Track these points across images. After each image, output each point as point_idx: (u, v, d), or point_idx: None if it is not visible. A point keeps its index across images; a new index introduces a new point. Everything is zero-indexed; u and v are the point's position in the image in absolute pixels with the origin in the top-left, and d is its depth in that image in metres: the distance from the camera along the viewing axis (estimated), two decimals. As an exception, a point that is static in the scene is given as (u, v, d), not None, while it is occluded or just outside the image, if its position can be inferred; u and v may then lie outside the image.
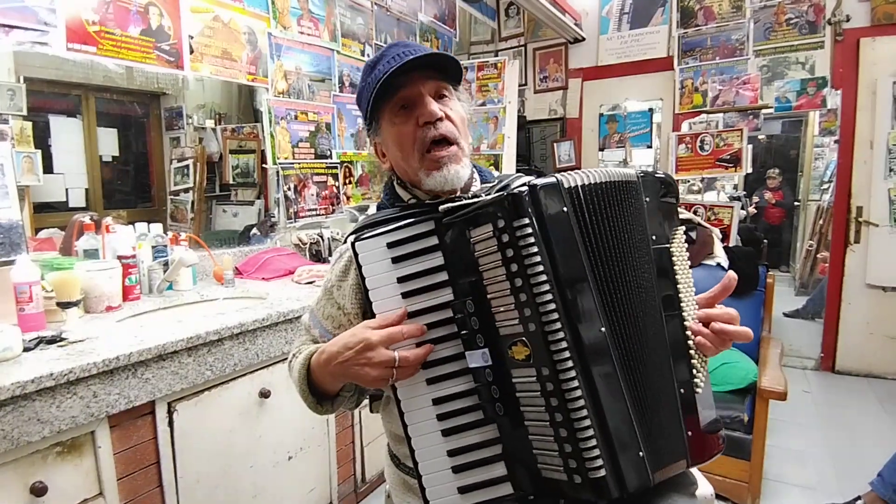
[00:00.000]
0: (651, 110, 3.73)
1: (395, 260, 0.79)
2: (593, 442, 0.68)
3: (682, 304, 0.82)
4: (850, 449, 2.49)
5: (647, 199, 0.81)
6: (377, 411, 1.06)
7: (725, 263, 2.54)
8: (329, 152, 2.65)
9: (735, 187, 3.57)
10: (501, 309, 0.73)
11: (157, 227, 1.88)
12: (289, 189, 2.43)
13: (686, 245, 0.86)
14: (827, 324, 3.45)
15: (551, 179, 0.73)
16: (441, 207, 0.78)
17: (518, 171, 3.89)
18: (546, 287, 0.69)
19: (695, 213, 3.27)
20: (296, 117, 2.44)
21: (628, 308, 0.75)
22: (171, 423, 1.33)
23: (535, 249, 0.69)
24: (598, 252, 0.74)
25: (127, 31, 1.74)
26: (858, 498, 1.97)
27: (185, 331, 1.34)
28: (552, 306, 0.69)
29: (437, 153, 0.87)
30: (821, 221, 4.92)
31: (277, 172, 2.37)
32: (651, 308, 0.78)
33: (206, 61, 2.00)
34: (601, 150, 3.99)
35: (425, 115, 0.86)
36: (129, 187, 2.38)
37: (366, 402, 1.05)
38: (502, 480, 0.76)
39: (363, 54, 2.84)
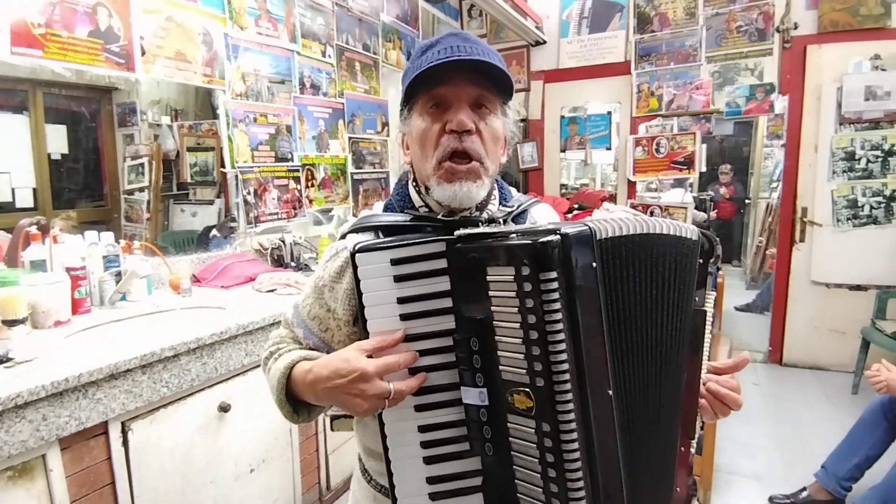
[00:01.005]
0: (610, 113, 3.82)
1: (398, 279, 0.74)
2: (581, 497, 0.67)
3: (701, 368, 0.81)
4: (796, 439, 2.63)
5: (700, 260, 0.78)
6: (338, 430, 1.05)
7: (680, 264, 2.64)
8: (290, 155, 2.61)
9: (690, 186, 3.70)
10: (509, 354, 0.69)
11: (108, 236, 1.81)
12: (248, 193, 2.38)
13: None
14: (774, 318, 3.63)
15: (584, 229, 0.67)
16: (458, 232, 0.73)
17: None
18: (562, 347, 0.64)
19: (650, 214, 3.38)
20: (255, 120, 2.39)
21: (641, 369, 0.73)
22: (125, 443, 1.29)
23: (558, 306, 0.64)
24: (620, 311, 0.70)
25: (74, 32, 1.67)
26: (804, 489, 2.09)
27: (139, 348, 1.30)
28: (565, 367, 0.65)
29: (454, 165, 0.81)
30: (770, 219, 5.15)
31: (237, 176, 2.32)
32: (671, 367, 0.76)
33: (158, 63, 1.94)
34: (563, 151, 4.07)
35: (453, 123, 0.79)
36: (80, 186, 2.28)
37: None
38: None
39: (324, 55, 2.80)
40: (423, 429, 0.75)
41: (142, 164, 2.36)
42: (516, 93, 4.10)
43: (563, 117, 4.00)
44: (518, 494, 0.71)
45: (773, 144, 5.33)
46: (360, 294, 0.75)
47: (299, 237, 2.66)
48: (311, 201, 2.77)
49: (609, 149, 3.92)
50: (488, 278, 0.69)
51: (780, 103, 3.44)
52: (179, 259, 2.12)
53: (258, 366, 1.65)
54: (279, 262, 2.47)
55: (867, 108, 3.21)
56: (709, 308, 0.81)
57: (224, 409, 1.53)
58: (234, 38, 2.22)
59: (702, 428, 0.84)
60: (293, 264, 2.47)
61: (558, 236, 0.64)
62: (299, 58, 2.62)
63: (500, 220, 0.85)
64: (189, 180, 2.46)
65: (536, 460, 0.68)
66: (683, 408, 0.79)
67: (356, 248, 0.75)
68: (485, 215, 0.87)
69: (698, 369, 0.80)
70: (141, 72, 1.87)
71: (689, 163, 3.47)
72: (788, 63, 3.33)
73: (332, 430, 1.09)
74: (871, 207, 3.26)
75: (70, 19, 1.65)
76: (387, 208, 0.93)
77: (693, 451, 0.83)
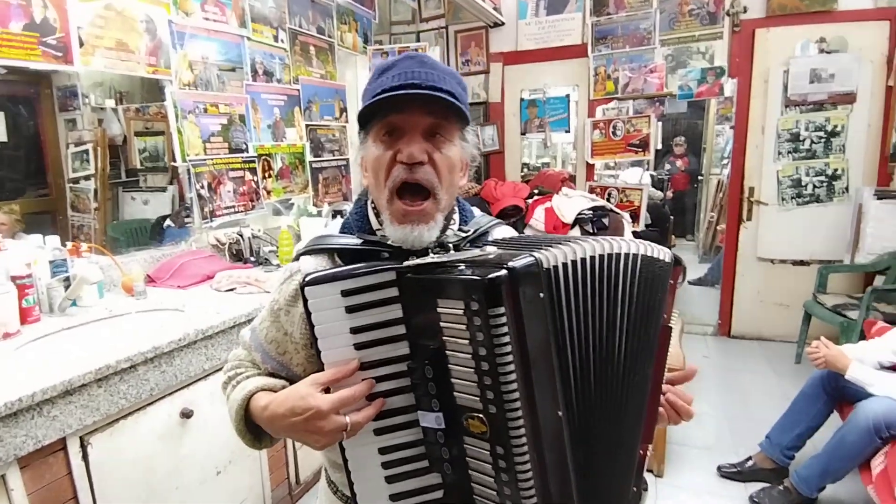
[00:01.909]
0: (568, 96, 3.85)
1: (350, 309, 0.74)
2: None
3: (661, 381, 0.83)
4: (743, 410, 2.80)
5: (670, 279, 0.79)
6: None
7: (635, 247, 2.72)
8: (245, 145, 2.53)
9: (648, 163, 3.80)
10: (462, 381, 0.71)
11: (53, 240, 1.74)
12: (202, 187, 2.31)
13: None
14: (723, 293, 3.81)
15: (531, 262, 0.67)
16: (408, 263, 0.73)
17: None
18: (512, 377, 0.66)
19: (608, 196, 3.46)
20: (205, 110, 2.30)
21: (601, 386, 0.75)
22: (85, 457, 1.27)
23: (507, 340, 0.66)
24: (572, 334, 0.72)
25: (8, 27, 1.56)
26: (749, 458, 2.23)
27: (94, 360, 1.26)
28: (516, 395, 0.67)
29: (406, 207, 0.79)
30: (720, 195, 5.35)
31: (189, 170, 2.24)
32: (633, 381, 0.77)
33: (98, 54, 1.84)
34: (523, 133, 4.09)
35: (404, 155, 0.77)
36: (21, 175, 2.15)
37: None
38: None
39: (276, 40, 2.71)
40: (383, 450, 0.77)
41: (86, 151, 2.24)
42: (474, 75, 4.09)
43: (522, 100, 4.01)
44: None
45: (723, 127, 5.50)
46: (312, 326, 0.74)
47: (258, 230, 2.61)
48: (269, 192, 2.71)
49: (568, 131, 3.96)
50: (439, 310, 0.70)
51: (730, 86, 3.55)
52: (132, 258, 2.05)
53: (220, 369, 1.64)
54: (238, 257, 2.42)
55: (812, 90, 3.35)
56: (674, 325, 0.84)
57: (186, 415, 1.52)
58: (179, 25, 2.12)
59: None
60: (253, 259, 2.43)
61: (505, 271, 0.65)
62: (250, 43, 2.52)
63: (451, 246, 0.83)
64: (139, 167, 2.36)
65: (492, 479, 0.71)
66: (645, 416, 0.81)
67: (305, 280, 0.74)
68: (440, 239, 0.85)
69: (660, 382, 0.83)
70: (80, 64, 1.78)
71: (644, 145, 3.55)
72: (738, 46, 3.42)
73: (294, 445, 1.10)
74: (814, 187, 3.43)
75: (3, 13, 1.55)
76: (344, 228, 0.91)
77: (650, 451, 0.87)
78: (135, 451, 1.38)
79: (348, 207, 3.21)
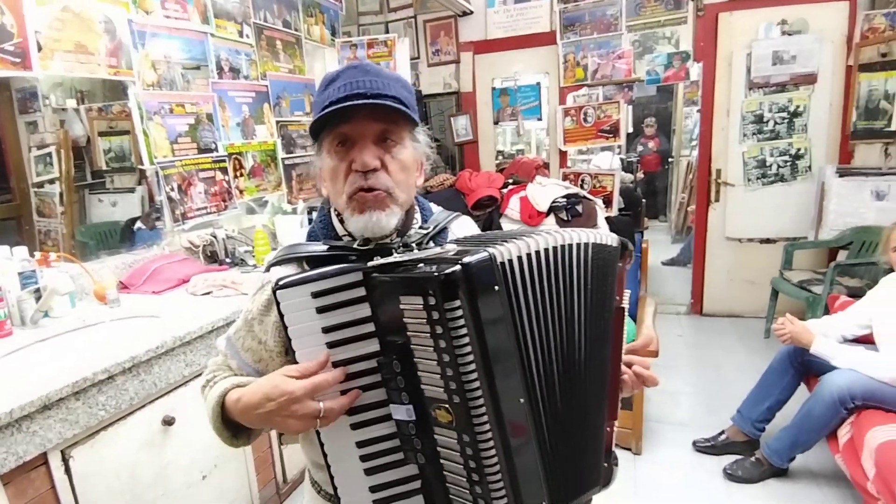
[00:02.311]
0: (539, 84, 3.87)
1: (321, 310, 0.77)
2: (503, 501, 0.73)
3: (620, 357, 0.88)
4: (716, 385, 2.90)
5: (619, 263, 0.84)
6: (287, 444, 1.08)
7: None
8: (214, 145, 2.49)
9: (619, 148, 3.86)
10: (428, 374, 0.74)
11: (21, 251, 1.69)
12: (172, 189, 2.27)
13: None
14: (695, 272, 3.92)
15: (485, 257, 0.71)
16: (371, 263, 0.76)
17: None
18: (472, 367, 0.70)
19: (582, 182, 3.51)
20: (171, 110, 2.25)
21: (559, 373, 0.78)
22: (67, 471, 1.26)
23: (464, 332, 0.69)
24: (529, 325, 0.75)
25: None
26: (722, 432, 2.32)
27: (70, 373, 1.25)
28: (476, 384, 0.71)
29: (363, 195, 0.83)
30: (691, 176, 5.47)
31: (157, 173, 2.20)
32: (594, 364, 0.82)
33: (57, 58, 1.78)
34: (496, 123, 4.10)
35: (357, 163, 0.81)
36: None
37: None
38: None
39: (241, 35, 2.66)
40: (360, 444, 0.80)
41: (49, 154, 2.18)
42: (445, 65, 4.08)
43: (494, 89, 4.02)
44: (450, 496, 0.78)
45: (690, 109, 5.60)
46: (285, 328, 0.77)
47: (232, 230, 2.58)
48: (241, 192, 2.68)
49: (540, 119, 3.99)
50: (401, 306, 0.73)
51: (696, 70, 3.61)
52: (102, 265, 2.01)
53: (200, 374, 1.63)
54: (213, 259, 2.40)
55: (774, 72, 3.43)
56: (625, 304, 0.88)
57: (168, 422, 1.51)
58: (139, 24, 2.06)
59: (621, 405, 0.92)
60: (228, 260, 2.40)
61: (460, 266, 0.68)
62: (214, 40, 2.47)
63: (414, 245, 0.87)
64: (105, 168, 2.31)
65: (461, 466, 0.75)
66: (608, 394, 0.86)
67: (277, 284, 0.77)
68: (403, 239, 0.89)
69: (619, 359, 0.88)
70: (39, 69, 1.72)
71: (614, 130, 3.60)
72: (702, 31, 3.48)
73: (280, 444, 1.12)
74: (779, 166, 3.53)
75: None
76: (310, 236, 0.94)
77: (616, 427, 0.91)
78: (118, 461, 1.37)
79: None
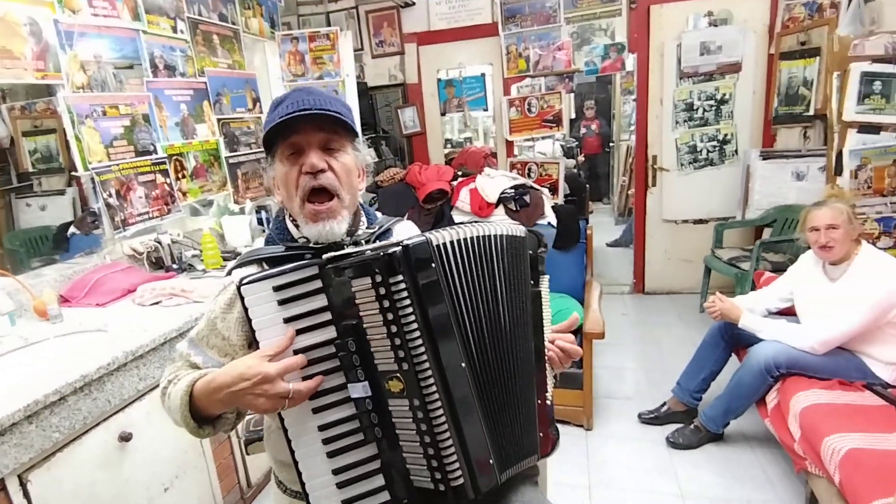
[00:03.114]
0: (484, 75, 3.92)
1: (282, 302, 0.86)
2: (454, 458, 0.83)
3: (543, 333, 0.99)
4: (658, 360, 3.09)
5: (530, 251, 0.97)
6: (253, 453, 1.11)
7: (554, 222, 2.89)
8: (152, 147, 2.40)
9: (563, 136, 3.98)
10: (379, 349, 0.83)
11: (-54, 270, 1.60)
12: (110, 196, 2.18)
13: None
14: (636, 254, 4.13)
15: (422, 240, 0.83)
16: (325, 256, 0.85)
17: (365, 139, 3.88)
18: (416, 334, 0.81)
19: (528, 171, 3.61)
20: (104, 113, 2.15)
21: (494, 344, 0.90)
22: (26, 495, 1.23)
23: (408, 302, 0.80)
24: (466, 298, 0.87)
25: None
26: (664, 404, 2.50)
27: (20, 396, 1.21)
28: (422, 350, 0.81)
29: (316, 207, 0.95)
30: (630, 160, 5.70)
31: (93, 179, 2.10)
32: (521, 340, 0.94)
33: (-25, 63, 1.67)
34: (443, 114, 4.13)
35: (307, 166, 0.93)
36: None
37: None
38: (380, 490, 0.89)
39: (175, 31, 2.55)
40: (321, 427, 0.87)
41: (-31, 158, 2.05)
42: (389, 56, 4.06)
43: (440, 80, 4.04)
44: (408, 466, 0.86)
45: (627, 99, 5.82)
46: (250, 321, 0.85)
47: (177, 234, 2.50)
48: (184, 194, 2.60)
49: (486, 110, 4.05)
50: (353, 289, 0.82)
51: (631, 61, 3.76)
52: (40, 278, 1.92)
53: (156, 387, 1.61)
54: (159, 266, 2.33)
55: (702, 62, 3.63)
56: (544, 289, 1.00)
57: (125, 438, 1.49)
58: (66, 24, 1.95)
59: (555, 381, 1.04)
60: (175, 266, 2.34)
61: (401, 247, 0.81)
62: (146, 37, 2.37)
63: (363, 242, 0.99)
64: (31, 169, 2.18)
65: (414, 431, 0.84)
66: (535, 371, 0.97)
67: (241, 281, 0.85)
68: (353, 239, 1.01)
69: (542, 337, 0.99)
70: (-45, 76, 1.61)
71: (558, 120, 3.71)
72: (635, 23, 3.63)
73: (247, 454, 1.14)
74: (708, 151, 3.76)
75: None
76: (268, 242, 1.05)
77: (550, 401, 1.01)
78: (76, 481, 1.34)
79: (272, 202, 3.14)
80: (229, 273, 0.99)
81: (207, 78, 2.76)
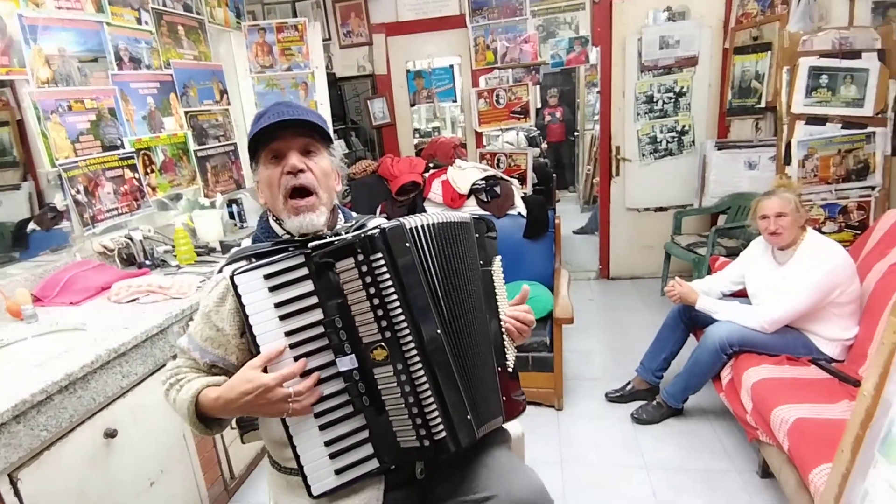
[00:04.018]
0: (452, 66, 3.96)
1: (272, 289, 0.95)
2: (435, 413, 0.93)
3: (499, 308, 1.12)
4: (623, 342, 3.25)
5: (477, 235, 1.09)
6: (249, 441, 1.17)
7: (524, 212, 2.98)
8: (119, 141, 2.36)
9: (530, 126, 4.07)
10: (364, 322, 0.93)
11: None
12: (78, 192, 2.14)
13: (493, 236, 1.16)
14: (601, 241, 4.29)
15: (398, 224, 0.95)
16: (310, 244, 0.94)
17: (335, 130, 3.88)
18: (396, 304, 0.92)
19: (497, 162, 3.69)
20: (69, 108, 2.11)
21: (458, 314, 1.01)
22: (17, 493, 1.24)
23: (387, 276, 0.91)
24: (435, 274, 0.98)
25: None
26: (629, 383, 2.64)
27: (6, 397, 1.22)
28: (402, 318, 0.92)
29: (296, 203, 1.06)
30: (595, 149, 5.86)
31: (60, 175, 2.06)
32: (479, 312, 1.06)
33: (-68, 57, 1.62)
34: (413, 105, 4.15)
35: (288, 166, 1.05)
36: None
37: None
38: (370, 458, 0.98)
39: (140, 22, 2.50)
40: (313, 403, 0.95)
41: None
42: (358, 47, 4.04)
43: (409, 71, 4.06)
44: (394, 429, 0.96)
45: (591, 91, 5.96)
46: (243, 307, 0.94)
47: (148, 230, 2.48)
48: (153, 189, 2.57)
49: (455, 101, 4.10)
50: (337, 271, 0.93)
51: (594, 54, 3.87)
52: (7, 279, 1.89)
53: (140, 383, 1.63)
54: (130, 263, 2.31)
55: (662, 56, 3.77)
56: (496, 269, 1.13)
57: (111, 435, 1.50)
58: (29, 19, 1.90)
59: (515, 354, 1.15)
60: (148, 262, 2.33)
61: (379, 230, 0.92)
62: (111, 29, 2.31)
63: (343, 232, 1.06)
64: (-16, 164, 2.13)
65: (399, 395, 0.94)
66: (493, 340, 1.10)
67: (234, 272, 0.94)
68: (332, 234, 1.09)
69: (496, 310, 1.12)
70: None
71: (525, 111, 3.79)
72: (598, 17, 3.73)
73: (242, 443, 1.19)
74: (667, 142, 3.92)
75: None
76: (254, 240, 1.15)
77: (510, 369, 1.13)
78: (65, 478, 1.36)
79: (243, 195, 3.12)
80: (220, 271, 1.08)
81: (173, 70, 2.71)
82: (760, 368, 2.04)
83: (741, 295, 2.41)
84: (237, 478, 2.10)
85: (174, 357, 1.11)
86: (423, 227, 0.99)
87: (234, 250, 1.12)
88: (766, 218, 2.13)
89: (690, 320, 2.47)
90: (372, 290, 0.92)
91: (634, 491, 2.04)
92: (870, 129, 2.91)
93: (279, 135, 1.06)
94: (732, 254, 2.95)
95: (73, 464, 1.39)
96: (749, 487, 2.01)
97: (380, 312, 0.92)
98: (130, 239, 2.32)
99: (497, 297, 1.12)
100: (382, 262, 0.91)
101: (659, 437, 2.34)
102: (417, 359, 0.93)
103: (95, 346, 1.50)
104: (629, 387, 2.62)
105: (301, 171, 1.05)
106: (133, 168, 2.43)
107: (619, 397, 2.62)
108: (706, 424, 2.40)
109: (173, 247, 2.42)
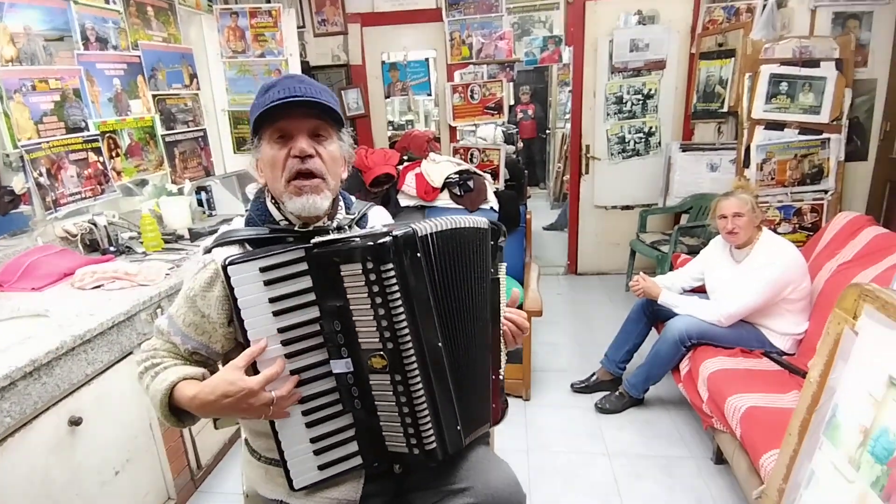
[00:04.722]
0: (428, 60, 3.97)
1: (268, 283, 0.90)
2: (429, 427, 0.93)
3: (500, 317, 1.09)
4: (589, 335, 3.34)
5: (492, 242, 1.04)
6: (222, 427, 1.16)
7: (496, 206, 3.03)
8: (84, 123, 2.29)
9: (504, 122, 4.12)
10: (365, 329, 0.90)
11: None
12: (40, 175, 2.07)
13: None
14: (570, 237, 4.39)
15: (409, 231, 0.90)
16: (314, 240, 0.90)
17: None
18: (403, 318, 0.88)
19: (471, 156, 3.73)
20: (34, 87, 2.03)
21: (462, 326, 0.99)
22: (-25, 482, 1.21)
23: (397, 289, 0.87)
24: (442, 285, 0.95)
25: None
26: (594, 374, 2.73)
27: (-35, 384, 1.19)
28: (406, 332, 0.89)
29: (300, 182, 0.97)
30: (565, 147, 5.97)
31: (22, 157, 1.99)
32: (480, 322, 1.03)
33: None
34: (387, 97, 4.14)
35: (296, 150, 0.96)
36: None
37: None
38: (354, 455, 0.98)
39: (108, 1, 2.43)
40: (302, 400, 0.94)
41: None
42: (332, 36, 4.00)
43: (384, 63, 4.04)
44: (383, 434, 0.95)
45: (563, 89, 6.06)
46: (235, 300, 0.89)
47: (113, 216, 2.42)
48: (118, 173, 2.50)
49: (430, 95, 4.11)
50: (342, 274, 0.89)
51: (567, 54, 3.95)
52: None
53: (105, 371, 1.60)
54: (94, 248, 2.25)
55: (632, 58, 3.87)
56: (502, 275, 1.10)
57: (75, 422, 1.48)
58: (-11, -7, 1.83)
59: (507, 358, 1.15)
60: (113, 249, 2.27)
61: (391, 237, 0.87)
62: (77, 7, 2.24)
63: (346, 227, 1.04)
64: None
65: (394, 403, 0.93)
66: (492, 349, 1.09)
67: (227, 261, 0.89)
68: (334, 223, 1.05)
69: (498, 320, 1.10)
70: None
71: (499, 107, 3.84)
72: (572, 17, 3.81)
73: (216, 428, 1.19)
74: (635, 142, 4.04)
75: None
76: (248, 222, 1.06)
77: (502, 377, 1.13)
78: (28, 466, 1.33)
79: (212, 183, 3.07)
80: (209, 251, 1.00)
81: (141, 52, 2.64)
82: (716, 360, 2.14)
83: (701, 290, 2.52)
84: (204, 467, 2.08)
85: (142, 343, 1.06)
86: (435, 234, 0.94)
87: (224, 229, 1.04)
88: (724, 217, 2.23)
89: (653, 314, 2.56)
90: (378, 300, 0.87)
91: (597, 477, 2.12)
92: (825, 135, 3.07)
93: (289, 113, 0.96)
94: (694, 252, 3.07)
95: (37, 451, 1.36)
96: (704, 473, 2.12)
97: (384, 323, 0.88)
98: (94, 224, 2.26)
99: (501, 305, 1.09)
100: (392, 273, 0.86)
101: (621, 426, 2.43)
102: (417, 372, 0.90)
103: (60, 332, 1.47)
104: (594, 378, 2.71)
105: (310, 156, 0.97)
106: (98, 151, 2.36)
107: (583, 388, 2.70)
108: (665, 414, 2.51)
109: (139, 233, 2.37)
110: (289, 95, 0.94)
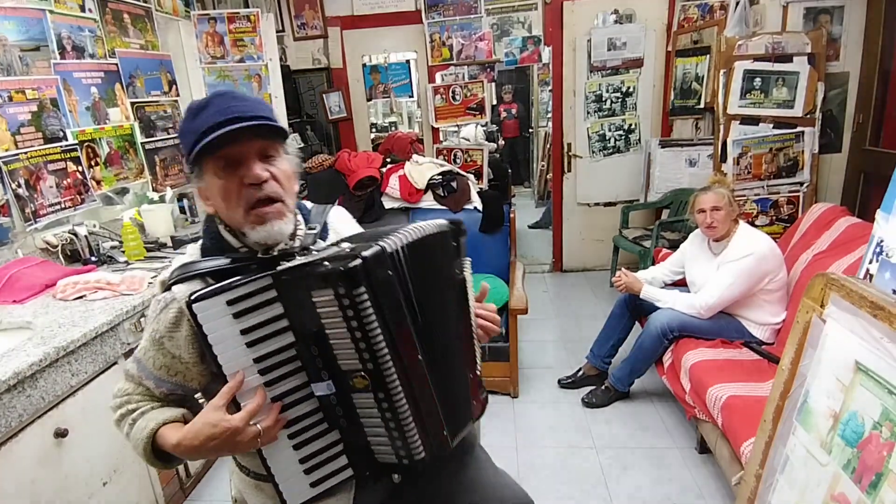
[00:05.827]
0: (409, 62, 3.99)
1: (237, 315, 0.86)
2: (416, 437, 0.92)
3: (470, 314, 1.08)
4: (574, 331, 3.39)
5: (455, 243, 1.02)
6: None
7: (480, 206, 3.06)
8: (62, 133, 2.27)
9: (486, 124, 4.15)
10: (343, 351, 0.88)
11: None
12: (19, 186, 2.05)
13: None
14: (555, 235, 4.43)
15: (378, 250, 0.85)
16: (280, 267, 0.87)
17: (290, 123, 3.83)
18: (380, 338, 0.85)
19: (454, 157, 3.75)
20: (10, 98, 2.02)
21: (438, 333, 0.96)
22: (-40, 498, 1.21)
23: (371, 311, 0.84)
24: (416, 297, 0.91)
25: None
26: (580, 369, 2.77)
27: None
28: (385, 351, 0.86)
29: (262, 210, 0.91)
30: (548, 146, 6.01)
31: (0, 168, 1.98)
32: (454, 324, 1.02)
33: None
34: (369, 99, 4.15)
35: (250, 178, 0.89)
36: None
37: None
38: (345, 468, 0.97)
39: (84, 10, 2.41)
40: (286, 425, 0.92)
41: None
42: (312, 39, 4.01)
43: (365, 66, 4.05)
44: (372, 447, 0.95)
45: (544, 89, 6.11)
46: (204, 337, 0.85)
47: (94, 225, 2.40)
48: (98, 182, 2.48)
49: (412, 96, 4.12)
50: (314, 299, 0.86)
51: (546, 54, 3.99)
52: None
53: (90, 381, 1.60)
54: (75, 259, 2.23)
55: (610, 57, 3.92)
56: (467, 273, 1.07)
57: (61, 434, 1.47)
58: (-38, 4, 1.81)
59: (484, 354, 1.15)
60: (94, 259, 2.25)
61: (360, 260, 0.83)
62: (53, 17, 2.22)
63: (311, 245, 1.00)
64: None
65: (379, 419, 0.92)
66: (468, 348, 1.08)
67: (191, 298, 0.84)
68: (297, 243, 1.01)
69: (469, 319, 1.08)
70: None
71: (481, 108, 3.87)
72: (550, 17, 3.85)
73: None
74: (616, 140, 4.09)
75: None
76: (204, 252, 1.00)
77: (480, 371, 1.13)
78: (16, 479, 1.32)
79: (194, 190, 3.04)
80: (168, 289, 0.94)
81: (119, 59, 2.63)
82: (698, 351, 2.19)
83: (682, 284, 2.57)
84: (193, 476, 2.08)
85: (115, 388, 1.00)
86: (403, 247, 0.90)
87: (179, 264, 0.96)
88: (702, 212, 2.28)
89: (636, 309, 2.61)
90: (354, 324, 0.84)
91: (585, 470, 2.16)
92: (799, 128, 3.14)
93: (235, 137, 0.86)
94: (674, 246, 3.11)
95: (24, 464, 1.36)
96: (689, 462, 2.16)
97: (362, 345, 0.85)
98: (75, 234, 2.24)
99: (469, 303, 1.07)
100: (365, 296, 0.82)
101: (608, 420, 2.47)
102: (399, 388, 0.88)
103: (43, 344, 1.46)
104: (580, 373, 2.75)
105: (265, 181, 0.90)
106: (77, 161, 2.34)
107: (570, 383, 2.74)
108: (650, 406, 2.55)
109: (121, 242, 2.36)
110: (226, 118, 0.86)
